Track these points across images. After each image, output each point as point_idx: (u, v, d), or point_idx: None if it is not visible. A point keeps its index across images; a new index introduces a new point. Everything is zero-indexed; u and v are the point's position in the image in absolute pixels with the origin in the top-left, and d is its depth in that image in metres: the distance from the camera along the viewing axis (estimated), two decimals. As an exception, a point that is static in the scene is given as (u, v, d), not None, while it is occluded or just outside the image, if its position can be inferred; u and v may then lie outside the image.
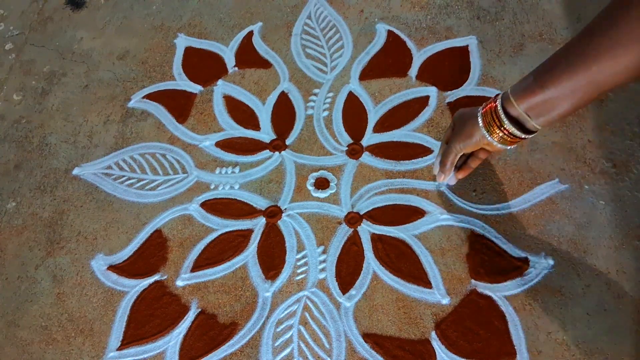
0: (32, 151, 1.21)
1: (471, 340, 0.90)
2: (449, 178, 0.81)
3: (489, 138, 0.63)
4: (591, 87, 0.50)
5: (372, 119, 1.15)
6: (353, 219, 1.04)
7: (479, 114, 0.64)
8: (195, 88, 1.25)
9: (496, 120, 0.60)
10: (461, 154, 0.74)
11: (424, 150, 1.09)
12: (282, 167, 1.12)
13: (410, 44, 1.23)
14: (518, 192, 1.02)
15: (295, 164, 1.12)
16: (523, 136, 0.60)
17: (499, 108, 0.60)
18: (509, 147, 0.64)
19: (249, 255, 1.03)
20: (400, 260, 0.98)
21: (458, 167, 0.82)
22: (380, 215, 1.04)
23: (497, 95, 0.62)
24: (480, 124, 0.63)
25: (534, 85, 0.55)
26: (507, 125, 0.59)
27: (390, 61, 1.22)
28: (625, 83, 0.49)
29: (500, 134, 0.61)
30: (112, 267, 1.04)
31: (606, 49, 0.48)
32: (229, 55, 1.29)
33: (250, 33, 1.31)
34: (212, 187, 1.12)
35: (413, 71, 1.20)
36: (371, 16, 1.29)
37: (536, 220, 0.99)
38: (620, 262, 0.93)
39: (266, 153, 1.14)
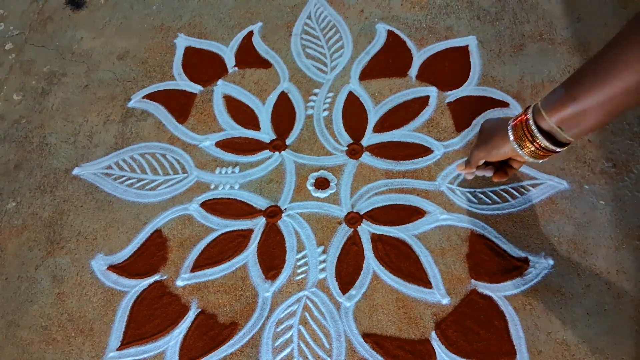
0: (32, 151, 1.21)
1: (471, 340, 0.90)
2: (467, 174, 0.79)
3: (521, 152, 0.62)
4: (623, 97, 0.49)
5: (372, 119, 1.15)
6: (353, 219, 1.04)
7: (509, 127, 0.63)
8: (195, 88, 1.25)
9: (528, 134, 0.59)
10: (483, 161, 0.73)
11: (424, 150, 1.09)
12: (282, 167, 1.12)
13: (410, 44, 1.23)
14: (518, 192, 1.02)
15: (295, 163, 1.12)
16: (556, 149, 0.59)
17: (530, 122, 0.58)
18: (540, 161, 0.64)
19: (249, 255, 1.03)
20: (400, 260, 0.98)
21: (496, 169, 0.80)
22: (380, 215, 1.04)
23: (528, 108, 0.61)
24: (511, 138, 0.62)
25: (566, 98, 0.54)
26: (540, 139, 0.58)
27: (390, 61, 1.22)
28: None
29: (532, 148, 0.60)
30: (112, 267, 1.04)
31: (635, 59, 0.47)
32: (229, 55, 1.29)
33: (250, 33, 1.31)
34: (212, 187, 1.12)
35: (413, 71, 1.20)
36: (371, 16, 1.29)
37: (536, 220, 0.99)
38: (620, 262, 0.93)
39: (266, 153, 1.14)
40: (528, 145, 0.60)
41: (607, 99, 0.51)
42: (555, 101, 0.56)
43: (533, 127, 0.58)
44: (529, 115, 0.59)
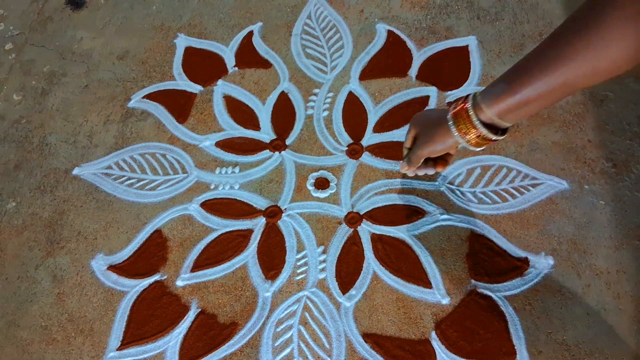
0: (32, 151, 1.21)
1: (471, 340, 0.90)
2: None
3: (466, 144, 0.63)
4: (564, 88, 0.51)
5: (372, 119, 1.15)
6: (353, 219, 1.04)
7: (450, 123, 0.63)
8: (195, 88, 1.25)
9: (469, 126, 0.60)
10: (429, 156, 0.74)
11: (424, 150, 1.09)
12: (282, 167, 1.12)
13: (410, 44, 1.23)
14: (518, 192, 1.02)
15: (295, 163, 1.12)
16: (498, 138, 0.61)
17: (471, 114, 0.60)
18: (481, 148, 0.65)
19: (249, 255, 1.03)
20: (400, 260, 0.98)
21: (435, 161, 0.80)
22: (380, 215, 1.04)
23: (465, 98, 0.62)
24: (455, 133, 0.63)
25: (507, 91, 0.55)
26: (482, 130, 0.59)
27: (390, 61, 1.22)
28: (597, 83, 0.50)
29: (475, 139, 0.61)
30: (112, 267, 1.04)
31: (577, 50, 0.48)
32: (229, 55, 1.29)
33: (250, 33, 1.31)
34: (212, 187, 1.12)
35: (413, 71, 1.20)
36: (371, 16, 1.29)
37: (536, 220, 0.99)
38: (620, 262, 0.93)
39: (266, 153, 1.14)
40: (472, 137, 0.62)
41: (548, 91, 0.52)
42: (496, 95, 0.57)
43: (474, 120, 0.59)
44: (469, 106, 0.60)
